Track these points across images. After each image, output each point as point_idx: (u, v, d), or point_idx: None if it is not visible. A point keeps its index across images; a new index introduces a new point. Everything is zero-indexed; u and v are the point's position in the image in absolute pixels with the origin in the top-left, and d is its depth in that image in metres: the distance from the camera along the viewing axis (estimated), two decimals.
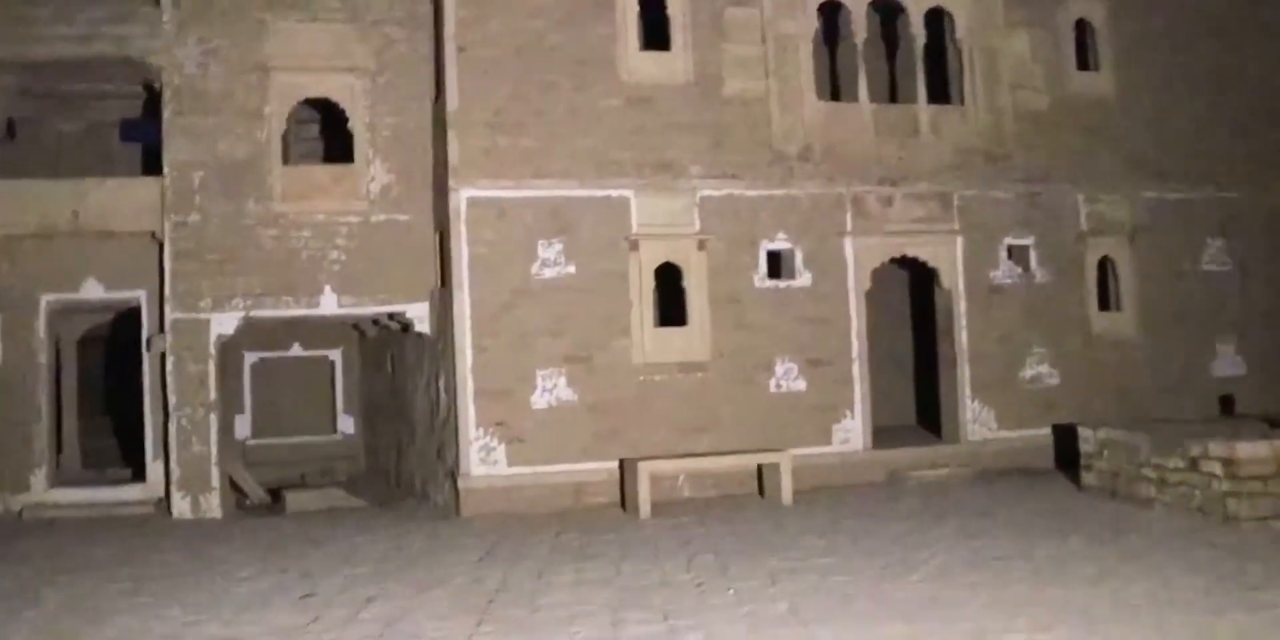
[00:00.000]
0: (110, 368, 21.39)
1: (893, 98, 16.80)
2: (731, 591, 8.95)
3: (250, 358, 18.95)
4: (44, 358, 15.66)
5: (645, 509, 13.04)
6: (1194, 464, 11.43)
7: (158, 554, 11.82)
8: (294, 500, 15.72)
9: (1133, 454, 12.45)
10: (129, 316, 16.41)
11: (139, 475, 16.10)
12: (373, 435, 19.32)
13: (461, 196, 13.91)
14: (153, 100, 17.02)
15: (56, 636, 8.32)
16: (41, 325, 15.58)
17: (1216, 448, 11.14)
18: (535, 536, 11.89)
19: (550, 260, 14.15)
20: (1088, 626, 7.46)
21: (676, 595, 8.93)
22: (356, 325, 18.20)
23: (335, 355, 19.81)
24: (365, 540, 12.27)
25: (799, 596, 8.67)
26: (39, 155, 17.97)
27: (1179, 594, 8.28)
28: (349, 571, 10.40)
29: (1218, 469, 11.08)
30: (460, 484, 13.64)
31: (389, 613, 8.62)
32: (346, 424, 19.82)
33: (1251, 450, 10.92)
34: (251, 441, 18.74)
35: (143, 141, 18.88)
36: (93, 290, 15.68)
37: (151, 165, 17.58)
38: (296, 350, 19.42)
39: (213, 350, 14.81)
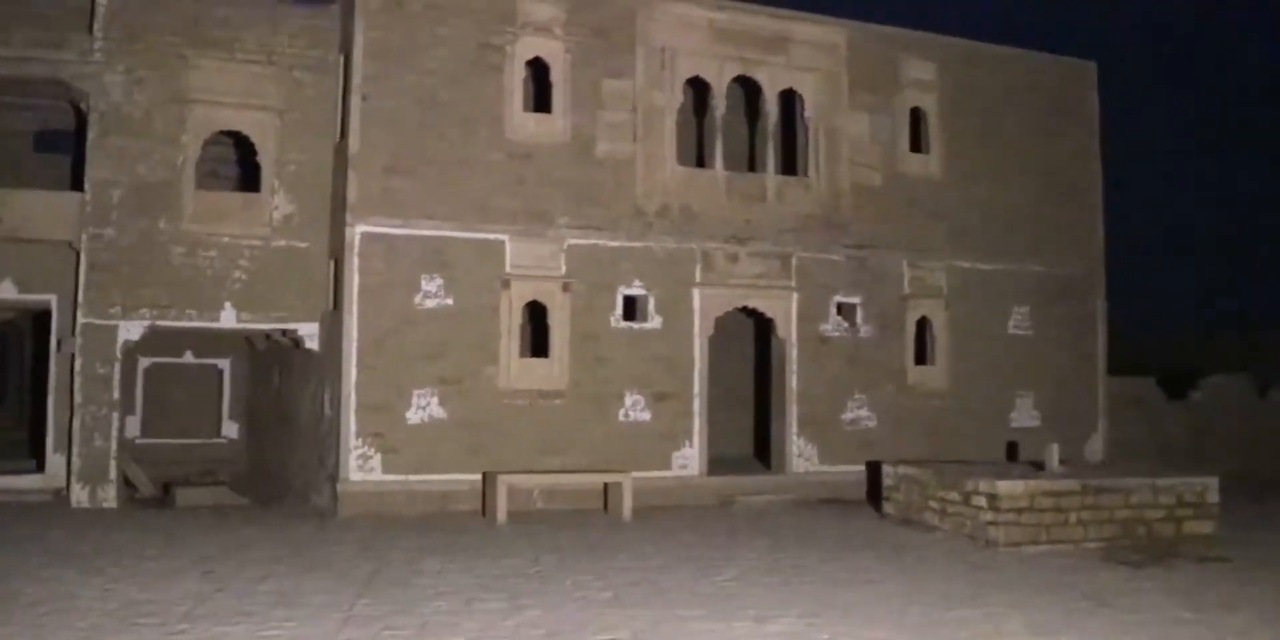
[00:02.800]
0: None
1: (751, 166, 18.75)
2: (570, 582, 10.78)
3: (144, 362, 20.16)
4: None
5: (502, 516, 14.77)
6: (967, 498, 13.61)
7: (67, 536, 13.22)
8: (184, 496, 17.09)
9: (922, 488, 14.63)
10: (30, 317, 17.66)
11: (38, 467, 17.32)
12: (255, 440, 20.71)
13: (356, 231, 15.53)
14: (67, 115, 18.43)
15: (19, 588, 9.83)
16: None
17: (984, 485, 13.35)
18: (405, 535, 13.57)
19: (431, 292, 15.82)
20: (843, 616, 9.46)
21: (522, 583, 10.74)
22: (248, 338, 19.58)
23: (224, 364, 21.17)
24: (253, 532, 13.86)
25: (624, 588, 10.55)
26: None
27: (926, 596, 10.34)
28: (242, 556, 12.00)
29: (984, 502, 13.27)
30: (339, 487, 15.23)
31: (282, 587, 10.29)
32: (231, 429, 21.18)
33: (1009, 487, 13.15)
34: (141, 440, 19.93)
35: (58, 152, 20.12)
36: (7, 291, 16.95)
37: (59, 176, 18.94)
38: (189, 357, 20.72)
39: (119, 354, 16.17)
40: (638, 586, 10.67)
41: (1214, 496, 14.16)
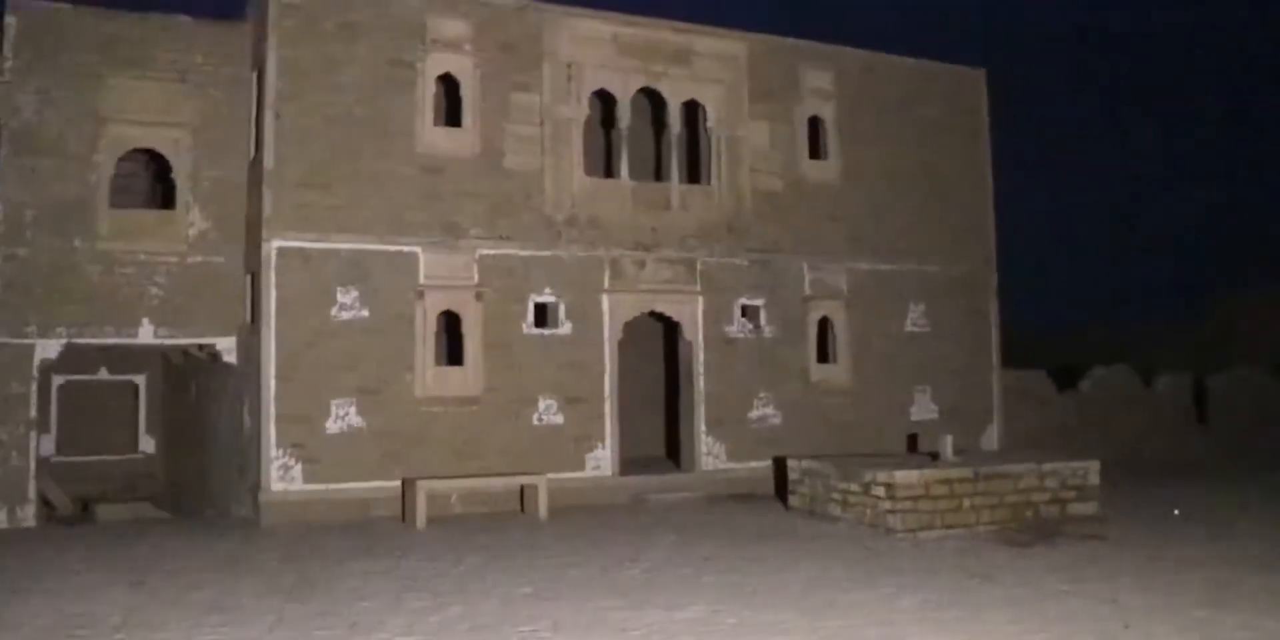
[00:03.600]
0: None
1: (657, 176, 19.31)
2: (490, 580, 11.28)
3: (59, 379, 20.26)
4: None
5: (422, 521, 15.18)
6: (867, 488, 14.32)
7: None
8: (104, 511, 17.31)
9: (825, 480, 15.32)
10: None
11: None
12: (173, 454, 20.89)
13: (272, 246, 15.85)
14: None
15: None
16: None
17: (882, 475, 14.07)
18: (328, 541, 13.95)
19: (348, 304, 16.19)
20: (748, 602, 10.08)
21: (445, 582, 11.22)
22: (164, 354, 19.78)
23: (140, 380, 21.33)
24: (177, 544, 14.13)
25: (542, 583, 11.08)
26: None
27: (827, 581, 11.01)
28: (169, 567, 12.30)
29: (882, 492, 13.99)
30: (261, 497, 15.54)
31: (211, 594, 10.65)
32: (148, 444, 21.34)
33: (905, 477, 13.90)
34: (56, 458, 20.01)
35: None
36: None
37: None
38: (103, 374, 20.86)
39: (35, 373, 16.30)
40: (555, 582, 11.19)
41: (1095, 479, 15.07)
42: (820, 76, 19.70)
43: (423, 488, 15.41)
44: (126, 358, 20.31)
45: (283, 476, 15.66)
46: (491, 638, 8.79)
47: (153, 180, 19.60)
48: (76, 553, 13.50)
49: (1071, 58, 72.03)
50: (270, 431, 15.67)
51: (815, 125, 19.83)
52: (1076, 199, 67.16)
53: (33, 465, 16.34)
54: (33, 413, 16.38)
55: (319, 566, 12.19)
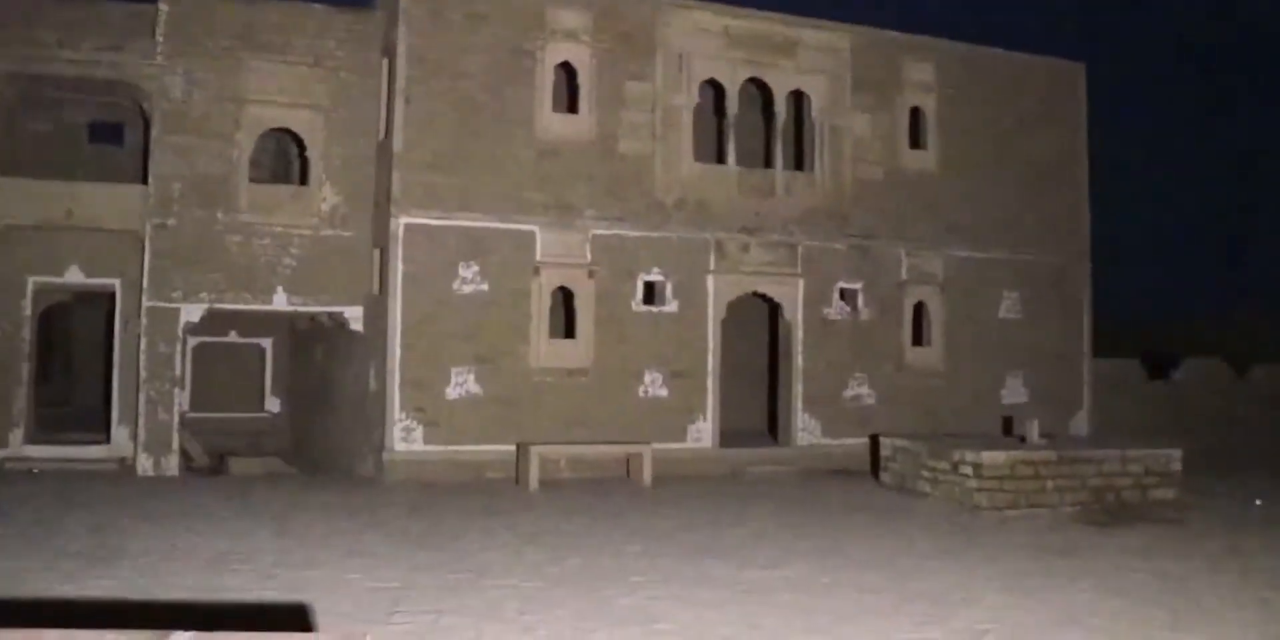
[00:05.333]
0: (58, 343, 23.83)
1: (765, 163, 20.02)
2: (602, 538, 12.24)
3: (192, 341, 21.48)
4: (27, 332, 18.28)
5: (534, 483, 16.22)
6: (956, 467, 15.05)
7: (145, 499, 14.67)
8: (237, 464, 18.59)
9: (916, 458, 16.07)
10: (85, 298, 19.15)
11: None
12: (296, 414, 22.18)
13: (400, 222, 16.93)
14: (118, 109, 19.83)
15: (108, 539, 11.28)
16: (27, 303, 18.22)
17: (970, 455, 14.80)
18: (448, 499, 15.02)
19: (468, 279, 17.23)
20: (841, 565, 10.93)
21: (560, 538, 12.19)
22: (290, 319, 20.99)
23: (267, 343, 22.62)
24: (309, 496, 15.33)
25: (650, 542, 12.01)
26: (7, 153, 19.73)
27: (915, 550, 11.82)
28: (305, 516, 13.44)
29: (970, 471, 14.72)
30: (384, 457, 16.67)
31: (348, 542, 11.72)
32: (273, 403, 22.66)
33: (992, 458, 14.62)
34: (190, 414, 21.28)
35: (108, 144, 21.54)
36: (74, 276, 18.36)
37: (111, 166, 20.31)
38: (233, 337, 22.14)
39: (180, 334, 17.64)
40: (662, 541, 12.11)
41: (1177, 466, 15.63)
42: (921, 68, 20.31)
43: (536, 452, 16.42)
44: (255, 322, 21.48)
45: (405, 438, 16.75)
46: (607, 587, 9.67)
47: (277, 157, 20.74)
48: (221, 500, 14.71)
49: (1171, 49, 71.37)
50: (394, 395, 16.76)
51: (916, 116, 20.45)
52: (1175, 190, 66.61)
53: (176, 420, 17.67)
54: (177, 371, 17.72)
55: (442, 520, 13.24)
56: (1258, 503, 16.09)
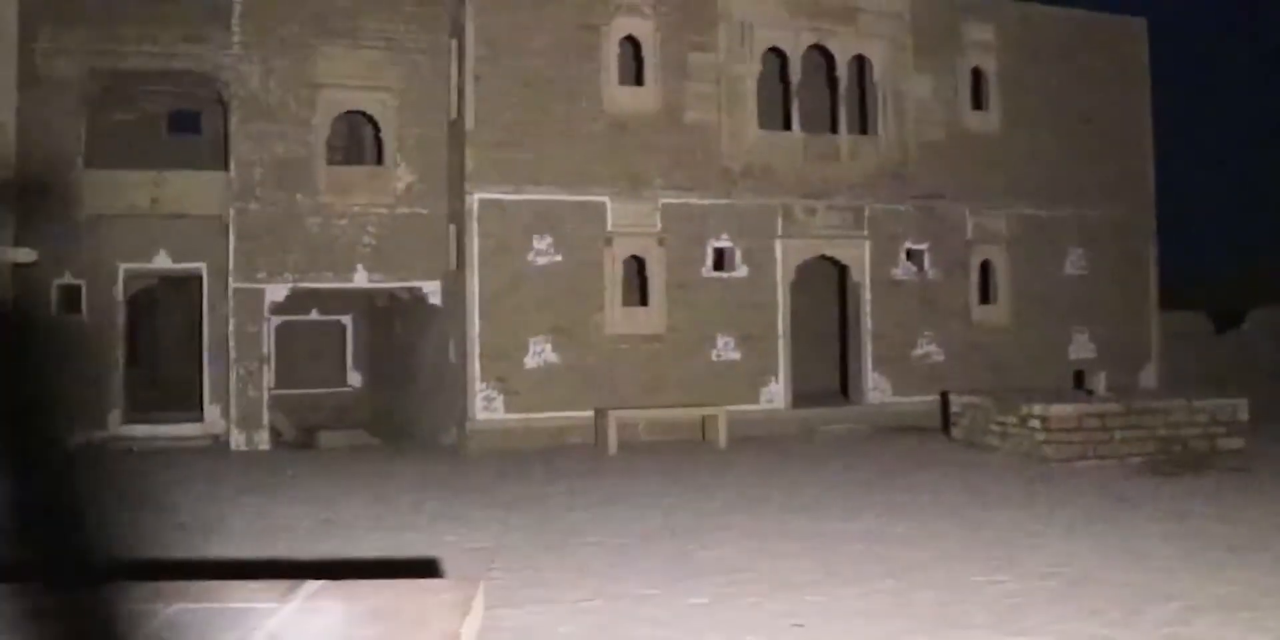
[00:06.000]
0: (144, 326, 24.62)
1: (829, 127, 20.23)
2: (681, 496, 12.73)
3: (275, 320, 22.14)
4: (120, 317, 19.05)
5: (613, 447, 16.73)
6: (1024, 421, 15.37)
7: (245, 473, 15.39)
8: (326, 438, 19.28)
9: (985, 413, 16.40)
10: (169, 283, 19.90)
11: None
12: (377, 388, 22.84)
13: (474, 198, 17.43)
14: (194, 98, 20.47)
15: (215, 511, 11.96)
16: (119, 289, 18.98)
17: (1038, 408, 15.11)
18: (532, 464, 15.59)
19: (542, 250, 17.70)
20: (914, 515, 11.34)
21: (642, 497, 12.70)
22: (368, 295, 21.62)
23: (346, 320, 23.27)
24: (397, 465, 15.99)
25: (728, 499, 12.51)
26: (92, 142, 20.25)
27: (984, 500, 12.20)
28: (396, 484, 14.05)
29: (1038, 424, 15.04)
30: (467, 426, 17.25)
31: (440, 507, 12.27)
32: (355, 378, 23.32)
33: (1060, 411, 14.92)
34: (275, 391, 21.93)
35: (187, 132, 22.25)
36: (162, 261, 19.10)
37: (189, 154, 21.00)
38: (314, 315, 22.81)
39: (267, 314, 18.33)
40: (740, 498, 12.60)
41: (1244, 415, 15.81)
42: (981, 29, 20.46)
43: (614, 417, 16.92)
44: (334, 299, 22.11)
45: (486, 407, 17.30)
46: (689, 542, 10.14)
47: (350, 139, 21.30)
48: (314, 472, 15.40)
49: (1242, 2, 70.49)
50: (475, 366, 17.31)
51: (977, 77, 20.61)
52: (1239, 145, 65.96)
53: (266, 396, 18.37)
54: (265, 350, 18.40)
55: (528, 485, 13.78)
56: None
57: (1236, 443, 15.66)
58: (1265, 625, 7.12)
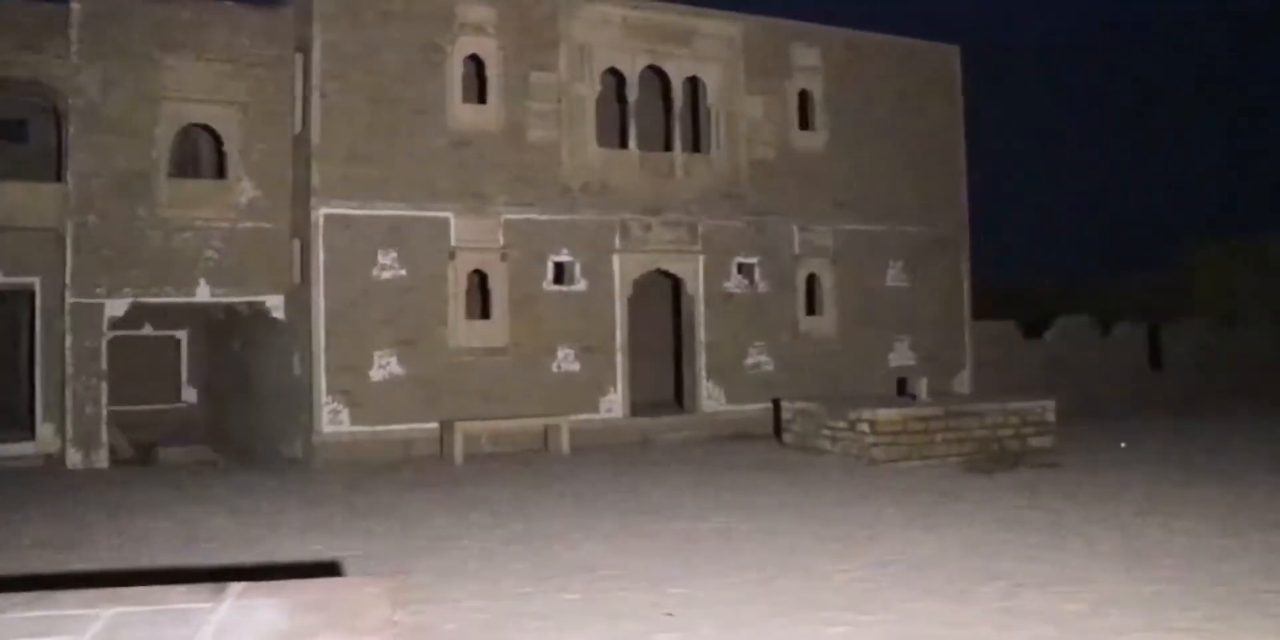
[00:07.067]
0: None
1: (665, 146, 20.95)
2: (536, 503, 13.22)
3: (108, 335, 21.81)
4: None
5: (460, 457, 17.13)
6: (853, 425, 16.31)
7: (89, 491, 15.19)
8: (165, 454, 19.13)
9: (816, 419, 17.30)
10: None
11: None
12: (214, 403, 22.64)
13: (320, 213, 17.61)
14: (18, 106, 20.11)
15: (68, 529, 11.95)
16: None
17: (866, 413, 16.07)
18: (381, 475, 15.87)
19: (387, 265, 17.97)
20: (756, 514, 12.06)
21: (498, 505, 13.13)
22: (205, 310, 21.43)
23: (181, 335, 22.97)
24: (246, 480, 16.02)
25: (580, 505, 13.03)
26: None
27: (822, 499, 13.02)
28: (249, 498, 14.10)
29: (867, 428, 15.98)
30: (314, 439, 17.38)
31: (301, 518, 12.48)
32: (190, 394, 23.04)
33: (887, 415, 15.92)
34: (110, 408, 21.59)
35: (13, 141, 21.75)
36: None
37: (10, 163, 20.55)
38: (148, 329, 22.47)
39: (105, 330, 18.10)
40: (592, 502, 13.16)
41: (1051, 416, 17.14)
42: (809, 54, 21.50)
43: (460, 428, 17.31)
44: (168, 314, 21.81)
45: (333, 420, 17.48)
46: (553, 545, 10.63)
47: (185, 152, 21.14)
48: (161, 489, 15.28)
49: (1039, 26, 74.75)
50: (321, 380, 17.46)
51: (804, 98, 21.63)
52: (1048, 162, 69.91)
53: (104, 413, 18.15)
54: (104, 365, 18.18)
55: (382, 494, 14.08)
56: (1123, 446, 17.68)
57: (1046, 441, 16.93)
58: (1080, 597, 8.03)
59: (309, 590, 3.95)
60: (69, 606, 3.54)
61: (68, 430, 18.02)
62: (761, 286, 20.94)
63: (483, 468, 16.53)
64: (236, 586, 3.78)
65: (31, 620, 3.37)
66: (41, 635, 3.22)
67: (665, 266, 20.22)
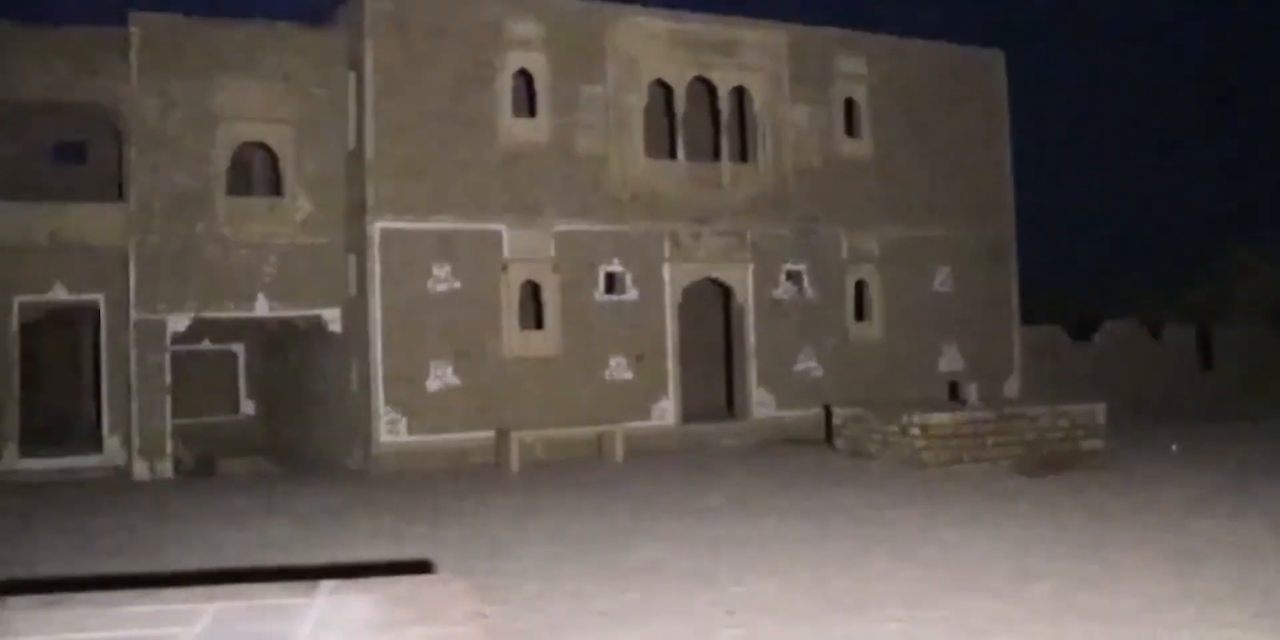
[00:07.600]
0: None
1: (713, 156, 21.13)
2: (592, 507, 13.48)
3: (169, 349, 22.31)
4: (15, 350, 18.97)
5: (516, 465, 17.40)
6: (904, 430, 16.45)
7: (157, 501, 15.60)
8: (226, 465, 19.53)
9: (867, 424, 17.45)
10: (58, 315, 19.92)
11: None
12: (271, 415, 23.07)
13: (375, 227, 17.97)
14: (81, 129, 20.58)
15: (141, 537, 12.32)
16: (14, 322, 18.92)
17: (917, 418, 16.21)
18: (439, 484, 16.15)
19: (442, 277, 18.30)
20: (809, 518, 12.26)
21: (557, 510, 13.42)
22: (262, 324, 21.85)
23: (238, 348, 23.44)
24: (306, 489, 16.40)
25: (638, 510, 13.26)
26: None
27: (873, 502, 13.21)
28: (309, 506, 14.47)
29: (918, 432, 16.12)
30: (372, 449, 17.73)
31: (366, 525, 12.82)
32: (248, 406, 23.49)
33: (938, 419, 16.06)
34: (172, 421, 22.12)
35: (72, 163, 22.28)
36: (59, 293, 19.05)
37: (76, 185, 21.07)
38: (206, 344, 22.91)
39: (168, 344, 18.53)
40: (646, 507, 13.41)
41: (1102, 419, 17.19)
42: (853, 62, 21.67)
43: (515, 437, 17.59)
44: (226, 329, 22.20)
45: (390, 430, 17.81)
46: (615, 547, 10.91)
47: (240, 170, 21.58)
48: (226, 498, 15.68)
49: (1081, 28, 74.73)
50: (378, 391, 17.81)
51: (850, 106, 21.80)
52: (1093, 165, 69.66)
53: (169, 425, 18.57)
54: (167, 380, 18.60)
55: (442, 502, 14.38)
56: (1173, 448, 17.71)
57: (1096, 444, 17.00)
58: (1132, 595, 8.21)
59: (398, 586, 4.17)
60: (173, 602, 3.61)
61: (134, 442, 18.45)
62: (810, 293, 21.12)
63: (538, 476, 16.78)
64: (329, 583, 4.00)
65: (142, 614, 3.44)
66: (155, 626, 3.50)
67: (715, 275, 20.45)
